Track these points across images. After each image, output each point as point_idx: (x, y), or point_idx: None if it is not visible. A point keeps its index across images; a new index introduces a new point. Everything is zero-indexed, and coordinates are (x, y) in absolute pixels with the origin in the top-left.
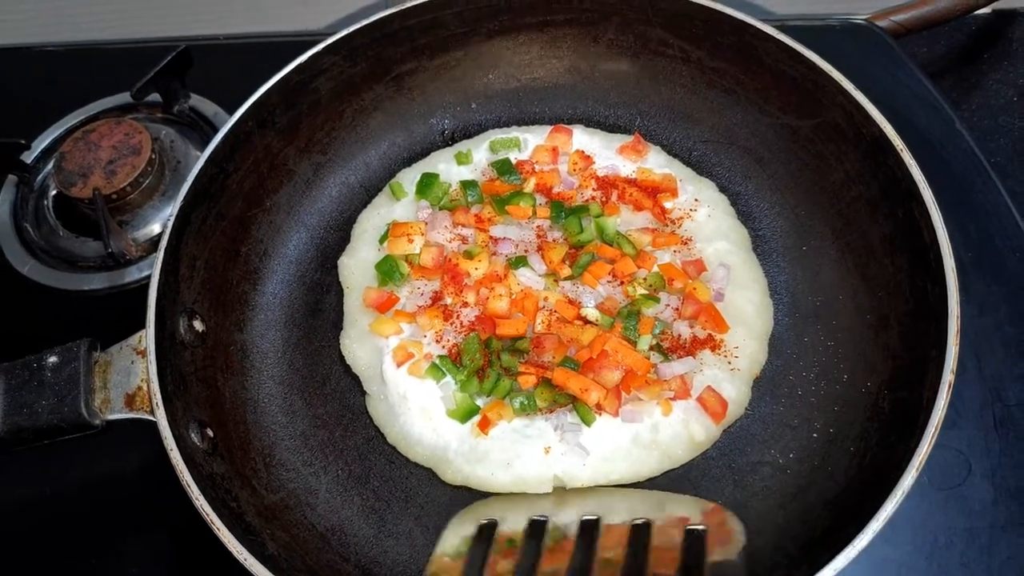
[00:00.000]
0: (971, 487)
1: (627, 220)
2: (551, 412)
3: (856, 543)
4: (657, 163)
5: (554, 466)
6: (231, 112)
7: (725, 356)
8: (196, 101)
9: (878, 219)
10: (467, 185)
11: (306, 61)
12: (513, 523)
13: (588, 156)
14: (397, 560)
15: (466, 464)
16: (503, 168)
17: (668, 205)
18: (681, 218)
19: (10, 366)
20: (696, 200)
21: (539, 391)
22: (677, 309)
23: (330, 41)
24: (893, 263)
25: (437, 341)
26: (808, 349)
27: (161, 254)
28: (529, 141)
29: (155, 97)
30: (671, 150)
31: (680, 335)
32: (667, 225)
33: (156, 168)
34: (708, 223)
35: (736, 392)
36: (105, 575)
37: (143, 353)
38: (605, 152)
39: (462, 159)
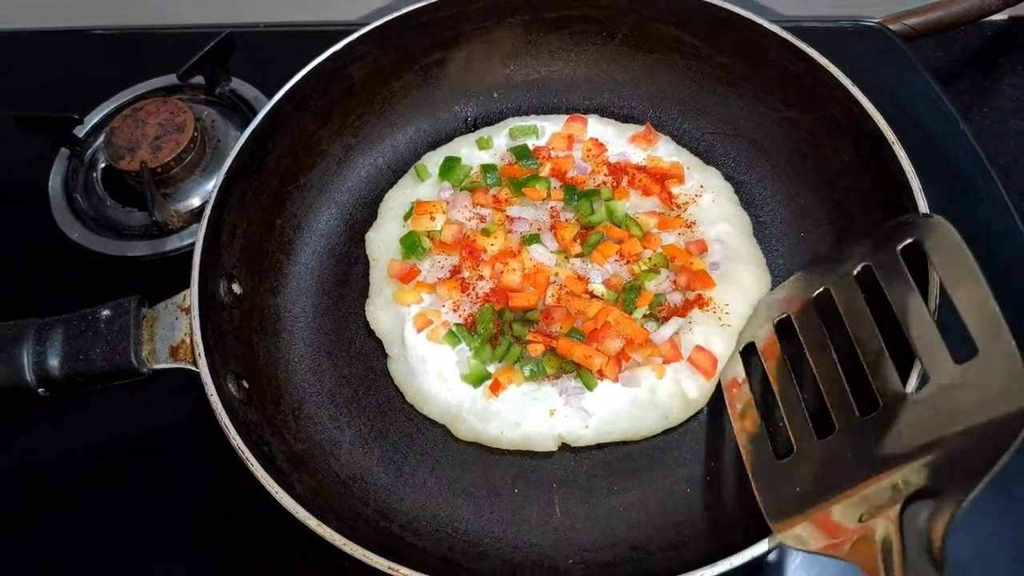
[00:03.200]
0: None
1: (635, 204)
2: (557, 378)
3: None
4: (666, 152)
5: (558, 426)
6: (270, 96)
7: (715, 312)
8: (237, 84)
9: (871, 207)
10: (487, 168)
11: (341, 49)
12: None
13: (601, 144)
14: (412, 507)
15: (478, 422)
16: (521, 153)
17: (675, 191)
18: (687, 203)
19: (68, 318)
20: (701, 186)
21: (547, 359)
22: (674, 282)
23: (364, 31)
24: None
25: (454, 310)
26: None
27: (205, 221)
28: (546, 129)
29: (199, 79)
30: (680, 140)
31: (674, 303)
32: (673, 209)
33: (198, 145)
34: (712, 208)
35: (726, 348)
36: (143, 519)
37: (187, 310)
38: (617, 140)
39: (483, 144)
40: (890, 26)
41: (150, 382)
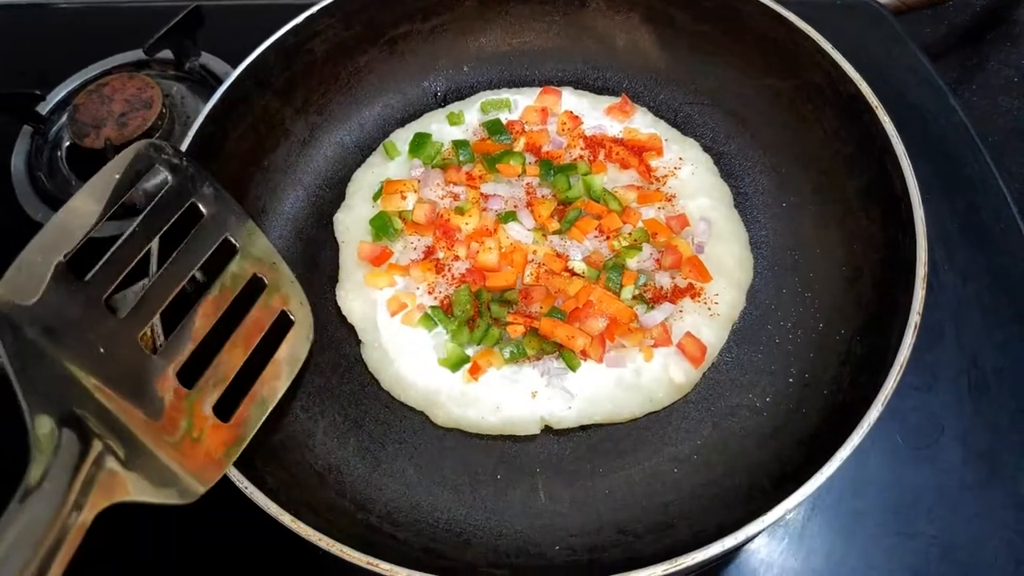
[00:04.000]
0: (942, 448)
1: (613, 178)
2: (538, 359)
3: (824, 471)
4: (643, 123)
5: (540, 408)
6: (229, 75)
7: (705, 303)
8: (207, 59)
9: (854, 174)
10: (459, 145)
11: (301, 23)
12: None
13: (576, 117)
14: (392, 497)
15: (457, 408)
16: (494, 128)
17: (653, 163)
18: (666, 176)
19: None
20: (680, 159)
21: (527, 340)
22: (658, 260)
23: (324, 4)
24: (868, 215)
25: (429, 293)
26: (786, 300)
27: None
28: (519, 102)
29: (168, 55)
30: (657, 111)
31: (662, 286)
32: (652, 183)
33: (166, 122)
34: (691, 180)
35: (715, 337)
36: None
37: None
38: (593, 113)
39: (454, 119)
40: (879, 0)
41: None
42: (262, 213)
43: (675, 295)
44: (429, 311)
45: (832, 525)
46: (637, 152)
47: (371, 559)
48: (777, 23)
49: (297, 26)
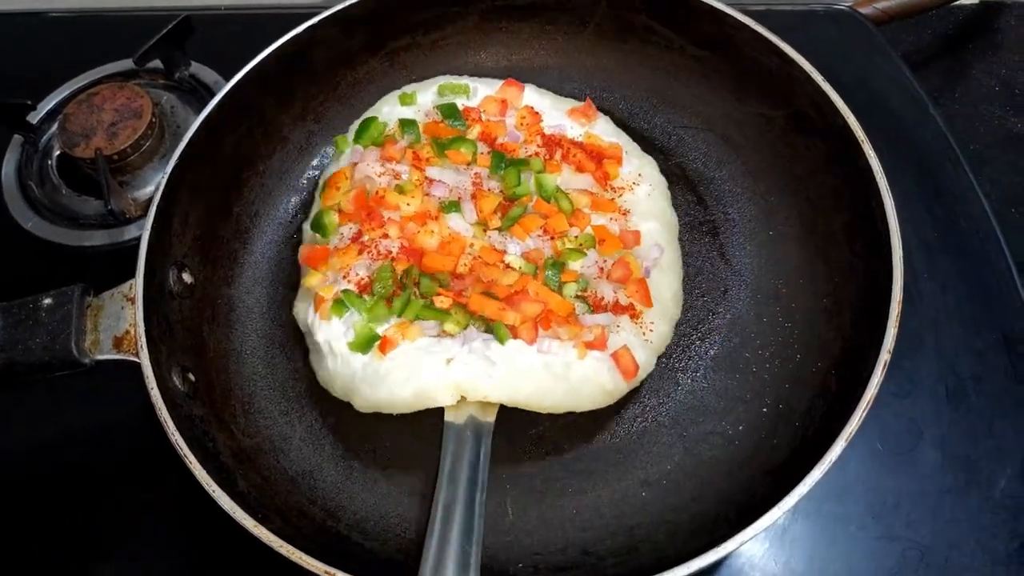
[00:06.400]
0: (921, 453)
1: (567, 180)
2: (463, 331)
3: (782, 504)
4: (605, 131)
5: (455, 374)
6: (230, 80)
7: (641, 328)
8: (197, 69)
9: (841, 207)
10: (406, 124)
11: (302, 32)
12: None
13: (537, 113)
14: (362, 506)
15: (369, 389)
16: (448, 112)
17: (611, 172)
18: (622, 188)
19: (7, 305)
20: (640, 175)
21: (453, 313)
22: (602, 268)
23: (327, 14)
24: (851, 250)
25: (345, 277)
26: (766, 329)
27: (153, 208)
28: (479, 90)
29: (157, 64)
30: (651, 132)
31: (603, 297)
32: (607, 191)
33: (156, 131)
34: (646, 201)
35: (645, 361)
36: (89, 520)
37: (132, 299)
38: (554, 112)
39: (406, 99)
40: (861, 10)
41: (101, 374)
42: (255, 216)
43: (616, 310)
44: (341, 295)
45: (814, 529)
46: (596, 158)
47: (329, 568)
48: (770, 51)
49: (298, 35)
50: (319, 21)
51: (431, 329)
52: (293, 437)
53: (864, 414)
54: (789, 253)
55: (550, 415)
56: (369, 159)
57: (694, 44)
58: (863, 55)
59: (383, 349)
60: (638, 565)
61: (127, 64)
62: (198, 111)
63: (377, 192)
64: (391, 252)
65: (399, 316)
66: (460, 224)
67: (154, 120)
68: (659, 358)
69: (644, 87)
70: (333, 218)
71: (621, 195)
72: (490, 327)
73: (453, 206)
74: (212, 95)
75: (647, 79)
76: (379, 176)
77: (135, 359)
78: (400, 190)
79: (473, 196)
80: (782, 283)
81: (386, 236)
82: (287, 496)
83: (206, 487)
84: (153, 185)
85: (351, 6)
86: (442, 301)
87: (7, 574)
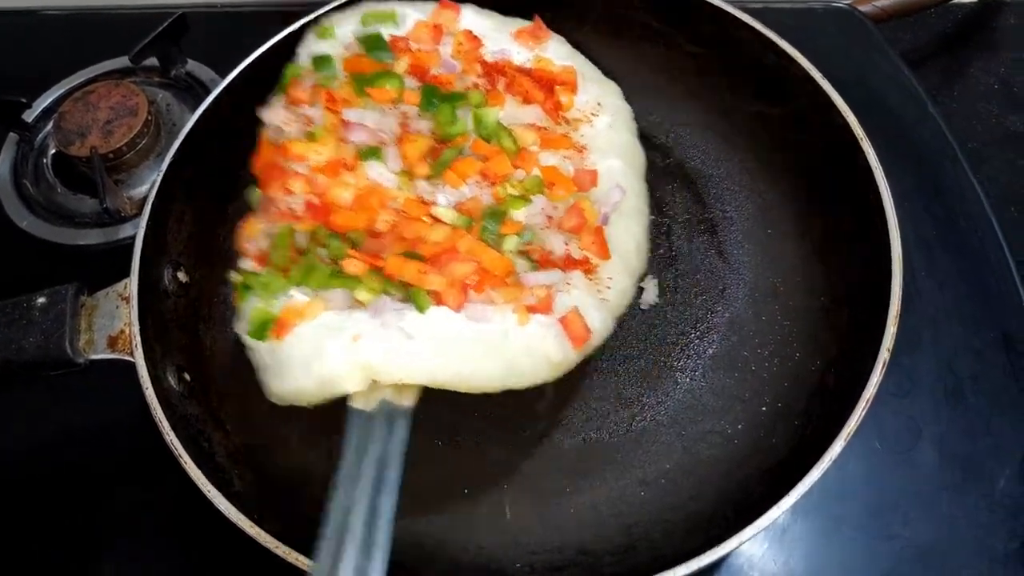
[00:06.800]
0: (920, 452)
1: (512, 114)
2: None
3: (781, 504)
4: (558, 54)
5: (363, 352)
6: (226, 77)
7: (596, 284)
8: (193, 66)
9: (839, 206)
10: (319, 61)
11: (297, 30)
12: None
13: (476, 38)
14: None
15: (275, 380)
16: (372, 43)
17: (564, 102)
18: (578, 120)
19: (1, 304)
20: (599, 104)
21: (366, 281)
22: (550, 217)
23: (321, 12)
24: (848, 248)
25: (246, 254)
26: (764, 327)
27: (148, 207)
28: (408, 17)
29: (153, 62)
30: (649, 130)
31: (552, 250)
32: (560, 124)
33: (152, 129)
34: (607, 134)
35: (601, 324)
36: (86, 520)
37: (127, 299)
38: (497, 36)
39: (324, 33)
40: (860, 8)
41: (99, 373)
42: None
43: (567, 264)
44: (240, 275)
45: (813, 528)
46: (546, 86)
47: None
48: (769, 49)
49: (293, 32)
50: (314, 18)
51: (340, 301)
52: (291, 436)
53: (863, 413)
54: (787, 251)
55: (547, 412)
56: (272, 108)
57: (692, 41)
58: (862, 53)
59: (277, 333)
60: (635, 564)
61: (123, 62)
62: (194, 109)
63: (283, 144)
64: (293, 211)
65: (298, 285)
66: (381, 173)
67: (150, 118)
68: (658, 357)
69: (642, 84)
70: (256, 192)
71: (576, 129)
72: (409, 295)
73: (373, 152)
74: (208, 92)
75: (645, 76)
76: (288, 126)
77: (130, 359)
78: (311, 137)
79: (399, 140)
80: (780, 281)
81: (289, 192)
82: (283, 496)
83: (202, 488)
84: (149, 183)
85: (345, 4)
86: (353, 265)
87: (6, 574)
